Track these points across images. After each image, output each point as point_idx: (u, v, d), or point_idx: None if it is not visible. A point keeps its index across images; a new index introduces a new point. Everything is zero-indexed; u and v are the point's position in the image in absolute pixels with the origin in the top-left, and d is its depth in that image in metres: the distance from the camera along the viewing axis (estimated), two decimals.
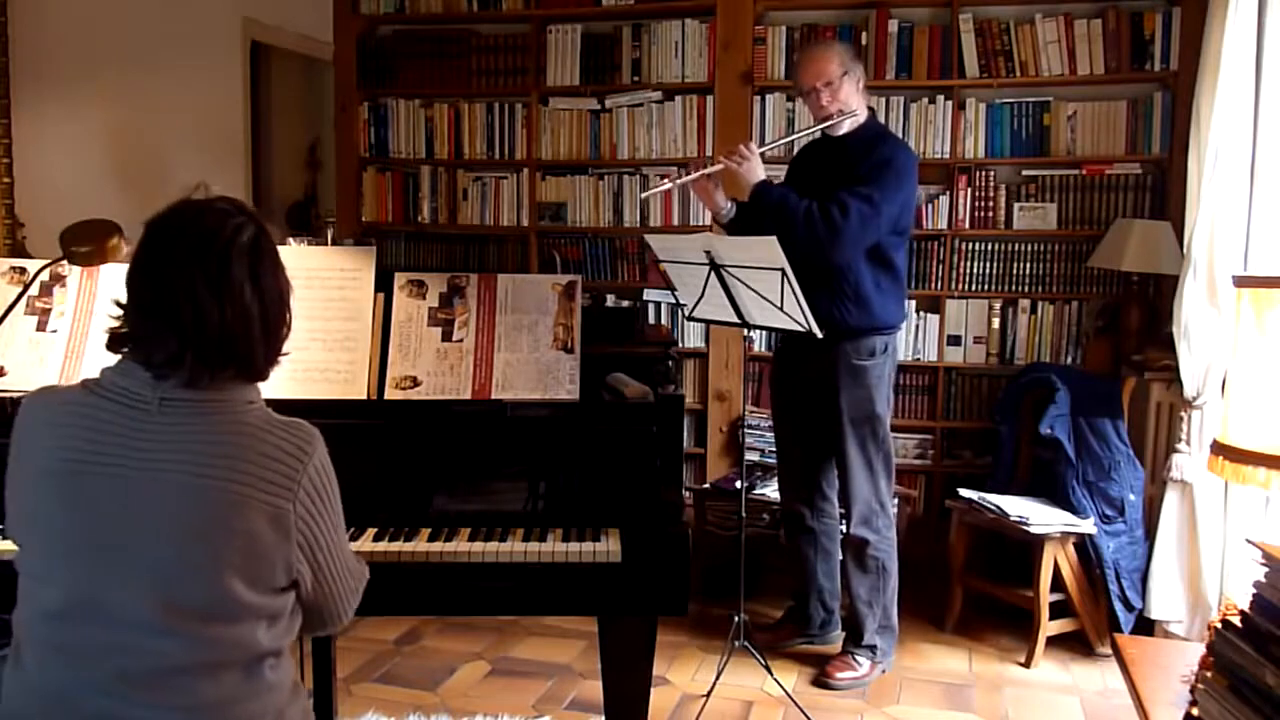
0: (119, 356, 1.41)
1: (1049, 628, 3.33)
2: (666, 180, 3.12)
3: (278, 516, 1.36)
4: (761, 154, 3.05)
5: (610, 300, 4.48)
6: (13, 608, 1.40)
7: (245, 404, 1.41)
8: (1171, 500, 3.29)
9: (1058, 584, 3.34)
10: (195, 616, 1.32)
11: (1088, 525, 3.32)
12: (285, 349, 1.49)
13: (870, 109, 3.20)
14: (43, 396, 1.44)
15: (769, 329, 3.41)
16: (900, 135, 3.87)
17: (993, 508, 3.41)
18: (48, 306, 2.18)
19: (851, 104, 3.07)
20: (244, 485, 1.33)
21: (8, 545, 1.81)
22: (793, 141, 3.18)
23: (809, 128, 3.13)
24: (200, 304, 1.34)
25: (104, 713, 1.32)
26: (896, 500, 3.50)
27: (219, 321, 1.35)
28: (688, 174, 3.11)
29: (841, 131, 3.10)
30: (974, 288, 4.10)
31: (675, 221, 4.36)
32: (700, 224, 4.22)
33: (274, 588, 1.39)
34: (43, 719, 1.34)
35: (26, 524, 1.39)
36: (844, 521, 3.27)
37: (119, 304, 1.41)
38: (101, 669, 1.32)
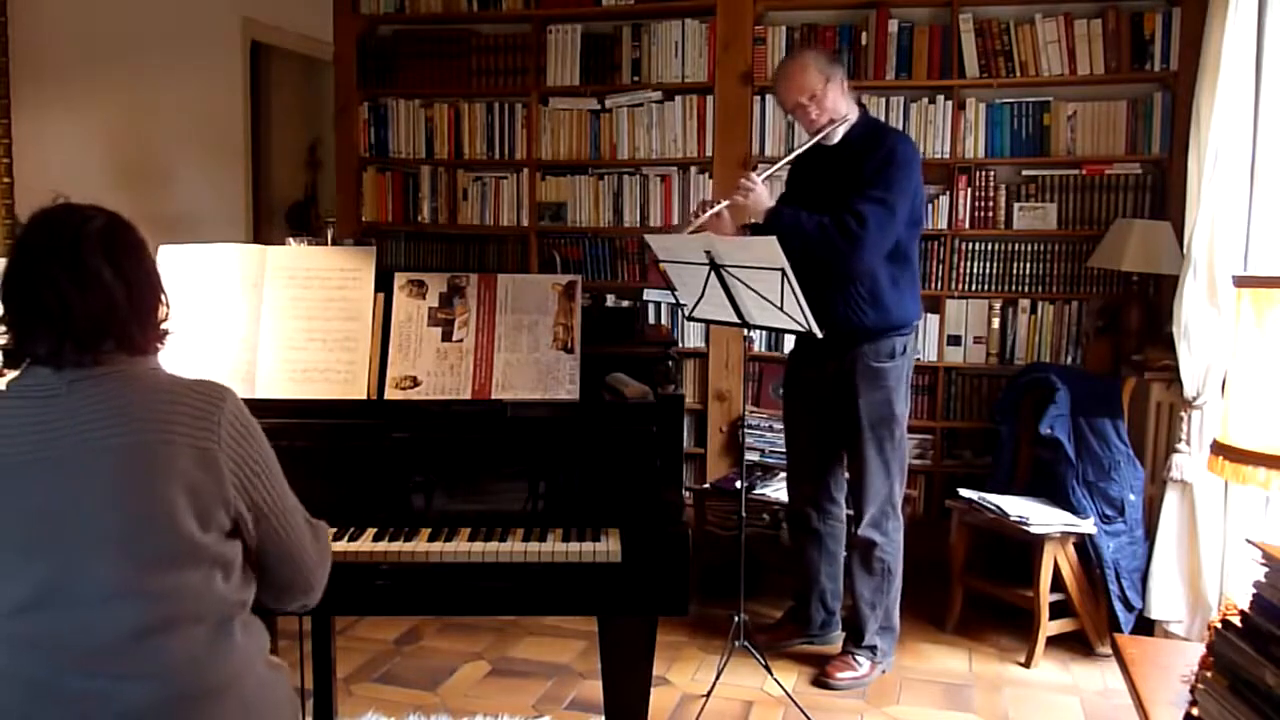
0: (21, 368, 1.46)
1: (1049, 628, 3.33)
2: (671, 232, 3.08)
3: (206, 457, 1.41)
4: (764, 178, 3.04)
5: (610, 300, 4.48)
6: None
7: (149, 370, 1.48)
8: (1171, 500, 3.30)
9: (1058, 584, 3.34)
10: (156, 565, 1.37)
11: (1088, 525, 3.32)
12: (166, 328, 1.54)
13: (861, 105, 3.19)
14: None
15: (769, 329, 3.42)
16: None
17: (993, 508, 3.41)
18: None
19: (841, 109, 3.06)
20: (166, 431, 1.39)
21: None
22: (794, 159, 3.16)
23: (805, 144, 3.10)
24: (61, 293, 1.41)
25: (84, 692, 1.35)
26: None
27: (83, 307, 1.41)
28: (694, 216, 3.06)
29: (837, 138, 3.09)
30: (974, 288, 4.10)
31: (675, 222, 4.36)
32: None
33: (221, 530, 1.44)
34: (26, 712, 1.36)
35: None
36: (851, 522, 3.27)
37: (2, 319, 1.47)
38: (74, 650, 1.35)
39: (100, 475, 1.37)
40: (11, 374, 1.47)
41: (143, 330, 1.48)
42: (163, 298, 1.54)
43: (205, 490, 1.41)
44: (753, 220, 3.12)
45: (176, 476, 1.38)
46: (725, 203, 3.03)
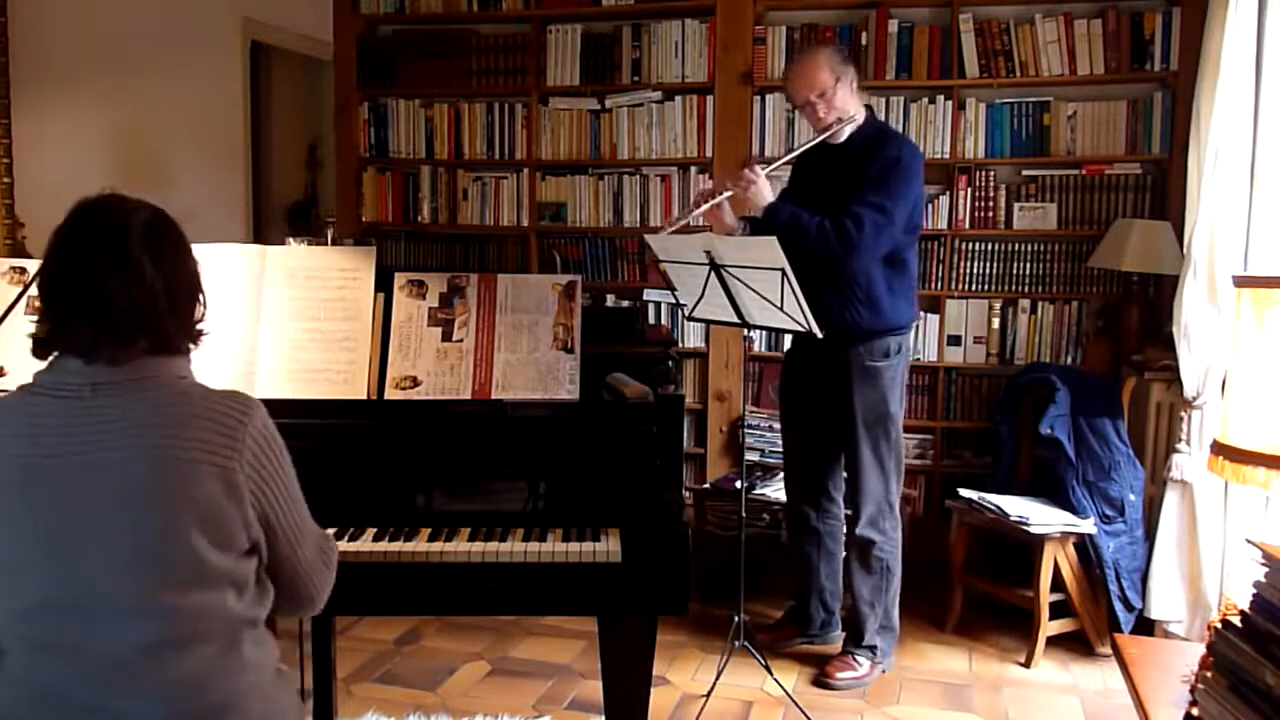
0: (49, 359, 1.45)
1: (1049, 628, 3.33)
2: (668, 222, 3.09)
3: (226, 478, 1.39)
4: (767, 173, 3.04)
5: (610, 300, 4.48)
6: None
7: (177, 379, 1.46)
8: (1171, 500, 3.30)
9: (1058, 584, 3.34)
10: (170, 586, 1.35)
11: (1088, 525, 3.32)
12: (202, 328, 1.53)
13: (868, 107, 3.19)
14: None
15: (769, 329, 3.42)
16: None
17: (993, 508, 3.41)
18: None
19: (849, 109, 3.06)
20: (189, 449, 1.37)
21: None
22: (798, 155, 3.17)
23: (810, 140, 3.11)
24: (103, 284, 1.39)
25: (89, 702, 1.34)
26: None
27: (125, 298, 1.39)
28: (695, 206, 3.07)
29: (843, 138, 3.09)
30: (974, 288, 4.10)
31: (675, 215, 4.34)
32: (700, 224, 4.22)
33: (237, 550, 1.42)
34: (30, 717, 1.35)
35: None
36: (849, 521, 3.27)
37: (38, 309, 1.45)
38: (82, 658, 1.34)
39: (117, 489, 1.35)
40: (39, 365, 1.46)
41: (179, 328, 1.47)
42: (201, 297, 1.52)
43: (225, 512, 1.39)
44: (752, 214, 3.12)
45: (195, 498, 1.36)
46: (726, 194, 3.02)
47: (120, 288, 1.39)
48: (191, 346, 1.51)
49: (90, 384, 1.39)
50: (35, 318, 1.45)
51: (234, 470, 1.39)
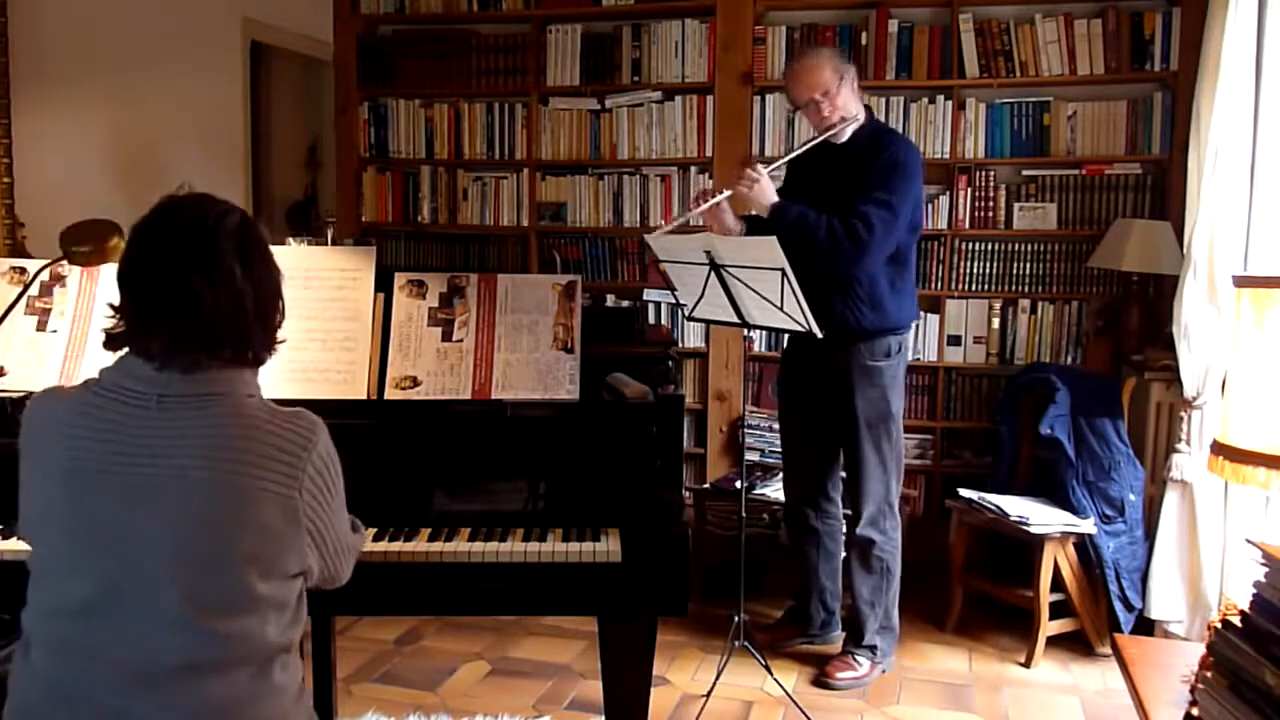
0: (117, 356, 1.42)
1: (1049, 628, 3.33)
2: (667, 222, 3.08)
3: (287, 506, 1.37)
4: (768, 172, 3.04)
5: (610, 300, 4.48)
6: (20, 606, 1.40)
7: (245, 397, 1.43)
8: (1171, 500, 3.30)
9: (1058, 584, 3.34)
10: (214, 610, 1.33)
11: (1088, 525, 3.32)
12: (280, 337, 1.50)
13: (866, 107, 3.19)
14: (47, 398, 1.46)
15: (769, 329, 3.42)
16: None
17: (993, 508, 3.41)
18: (48, 306, 2.18)
19: (851, 109, 3.07)
20: (251, 477, 1.35)
21: (11, 545, 1.82)
22: (800, 154, 3.17)
23: (813, 139, 3.09)
24: (192, 288, 1.36)
25: (111, 710, 1.32)
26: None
27: (212, 304, 1.37)
28: (694, 205, 3.07)
29: (845, 137, 3.09)
30: (974, 288, 4.10)
31: (675, 217, 4.35)
32: (700, 224, 4.22)
33: (286, 575, 1.40)
34: (49, 714, 1.34)
35: (39, 524, 1.40)
36: (849, 521, 3.26)
37: (112, 305, 1.43)
38: (114, 665, 1.32)
39: (171, 507, 1.32)
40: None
41: (262, 338, 1.44)
42: (280, 305, 1.49)
43: (280, 539, 1.37)
44: (754, 212, 3.11)
45: (250, 524, 1.34)
46: (726, 193, 3.02)
47: (209, 295, 1.36)
48: (267, 357, 1.48)
49: (157, 394, 1.36)
50: (110, 312, 1.42)
51: (294, 498, 1.38)
